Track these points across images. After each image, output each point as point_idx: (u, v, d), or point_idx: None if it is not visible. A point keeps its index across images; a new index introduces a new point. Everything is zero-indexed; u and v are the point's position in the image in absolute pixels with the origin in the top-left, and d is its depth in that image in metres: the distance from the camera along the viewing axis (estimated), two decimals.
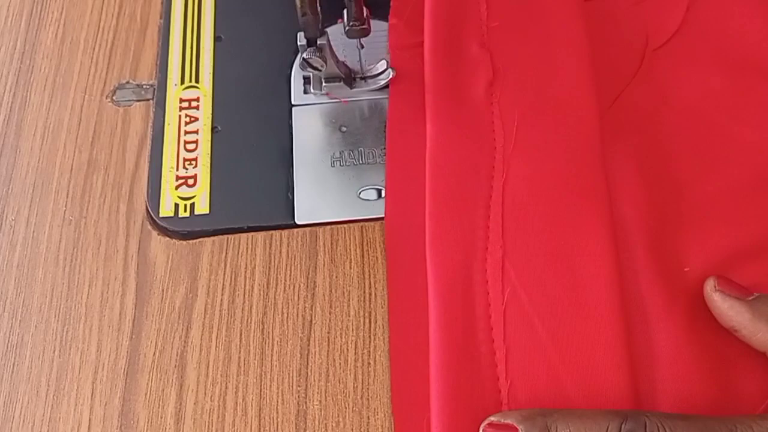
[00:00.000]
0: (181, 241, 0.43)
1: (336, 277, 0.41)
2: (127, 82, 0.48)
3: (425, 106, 0.43)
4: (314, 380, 0.39)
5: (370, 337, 0.39)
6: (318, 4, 0.40)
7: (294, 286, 0.41)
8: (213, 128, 0.46)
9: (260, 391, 0.39)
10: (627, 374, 0.35)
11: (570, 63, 0.44)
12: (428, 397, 0.36)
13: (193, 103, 0.47)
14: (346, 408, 0.38)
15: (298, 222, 0.43)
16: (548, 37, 0.45)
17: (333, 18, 0.46)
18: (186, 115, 0.46)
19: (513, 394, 0.35)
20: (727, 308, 0.36)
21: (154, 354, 0.40)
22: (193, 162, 0.45)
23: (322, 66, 0.43)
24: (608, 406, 0.35)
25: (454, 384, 0.36)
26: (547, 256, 0.38)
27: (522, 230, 0.39)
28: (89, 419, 0.38)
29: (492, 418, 0.34)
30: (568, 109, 0.42)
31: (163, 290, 0.41)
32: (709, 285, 0.37)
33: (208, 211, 0.43)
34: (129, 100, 0.48)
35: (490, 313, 0.37)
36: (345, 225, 0.43)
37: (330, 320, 0.40)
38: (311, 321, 0.40)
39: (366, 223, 0.42)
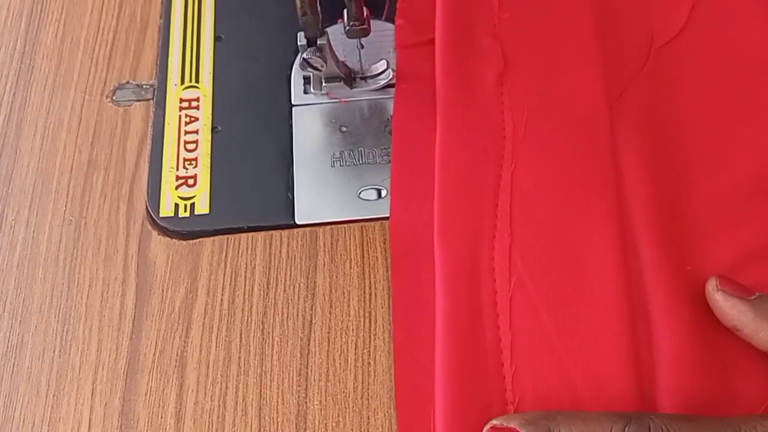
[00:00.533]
0: (181, 241, 0.43)
1: (336, 277, 0.41)
2: (127, 82, 0.48)
3: (435, 94, 0.43)
4: (314, 380, 0.39)
5: (370, 337, 0.39)
6: (318, 4, 0.40)
7: (294, 286, 0.41)
8: (213, 128, 0.46)
9: (260, 391, 0.38)
10: (630, 363, 0.36)
11: (578, 56, 0.44)
12: (432, 390, 0.36)
13: (193, 103, 0.47)
14: (346, 408, 0.38)
15: (298, 222, 0.43)
16: (558, 29, 0.45)
17: (333, 18, 0.46)
18: (186, 115, 0.46)
19: (517, 381, 0.36)
20: (729, 307, 0.36)
21: (154, 354, 0.40)
22: (193, 162, 0.45)
23: (322, 66, 0.43)
24: (611, 395, 0.35)
25: (459, 369, 0.36)
26: (553, 245, 0.38)
27: (530, 219, 0.39)
28: (89, 419, 0.38)
29: (495, 422, 0.34)
30: (577, 101, 0.42)
31: (163, 290, 0.41)
32: (711, 284, 0.37)
33: (208, 211, 0.43)
34: (129, 100, 0.47)
35: (497, 300, 0.38)
36: (345, 225, 0.42)
37: (330, 320, 0.40)
38: (311, 321, 0.40)
39: (366, 223, 0.42)
